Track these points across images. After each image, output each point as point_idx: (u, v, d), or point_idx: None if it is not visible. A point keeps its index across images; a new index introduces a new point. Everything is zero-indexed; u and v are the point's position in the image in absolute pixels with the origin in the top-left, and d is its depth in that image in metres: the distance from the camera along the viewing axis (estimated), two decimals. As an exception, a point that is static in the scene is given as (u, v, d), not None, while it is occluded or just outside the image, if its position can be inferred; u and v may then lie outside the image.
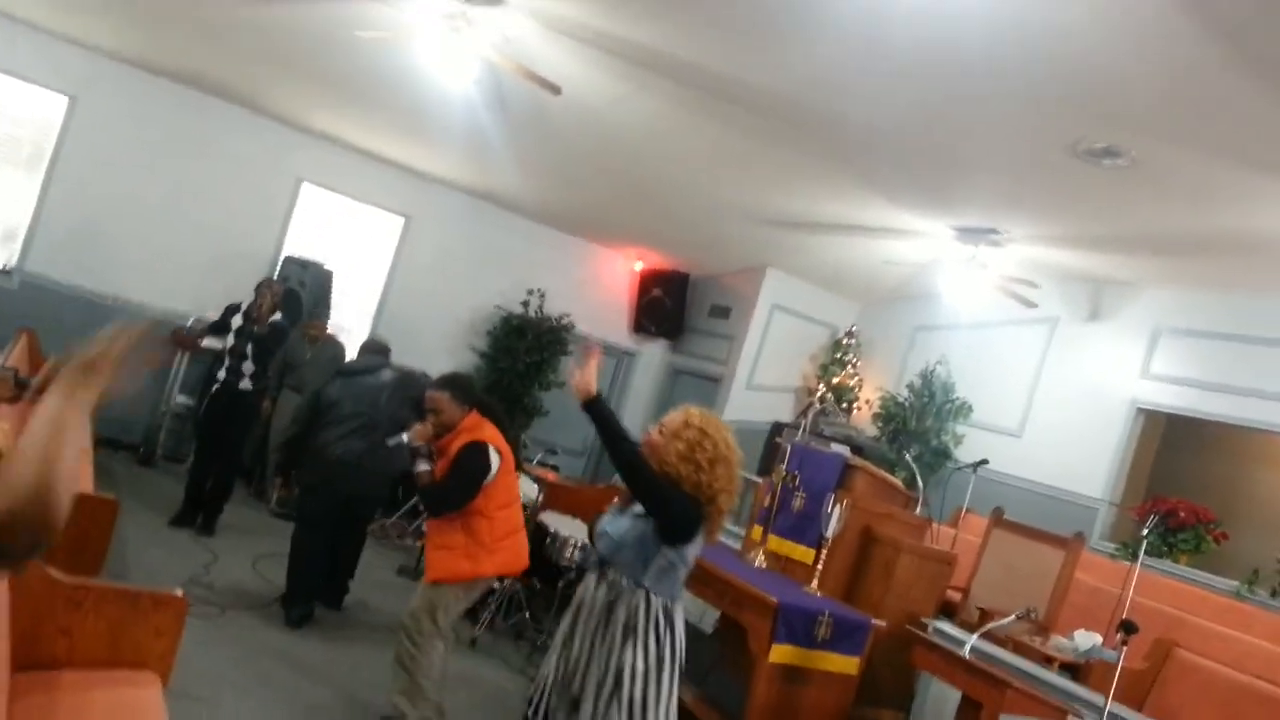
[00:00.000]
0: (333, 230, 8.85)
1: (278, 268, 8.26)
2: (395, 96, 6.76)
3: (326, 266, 8.12)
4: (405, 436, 3.97)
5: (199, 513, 6.24)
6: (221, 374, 6.26)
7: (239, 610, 4.98)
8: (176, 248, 8.04)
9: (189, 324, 7.89)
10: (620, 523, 2.88)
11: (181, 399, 7.90)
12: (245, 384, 6.27)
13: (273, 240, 8.48)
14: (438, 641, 3.92)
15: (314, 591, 5.21)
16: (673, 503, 2.79)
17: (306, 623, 5.05)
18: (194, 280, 8.09)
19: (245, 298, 6.53)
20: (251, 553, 6.05)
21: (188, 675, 3.92)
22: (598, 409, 2.84)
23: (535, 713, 2.87)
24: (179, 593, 2.89)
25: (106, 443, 7.48)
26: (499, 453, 3.98)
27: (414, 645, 3.90)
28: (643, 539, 2.79)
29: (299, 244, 8.54)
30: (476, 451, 3.91)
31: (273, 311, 6.43)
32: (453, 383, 4.11)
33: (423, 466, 3.93)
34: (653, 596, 2.77)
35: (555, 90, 5.17)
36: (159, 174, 7.88)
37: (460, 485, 3.90)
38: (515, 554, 4.13)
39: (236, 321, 6.36)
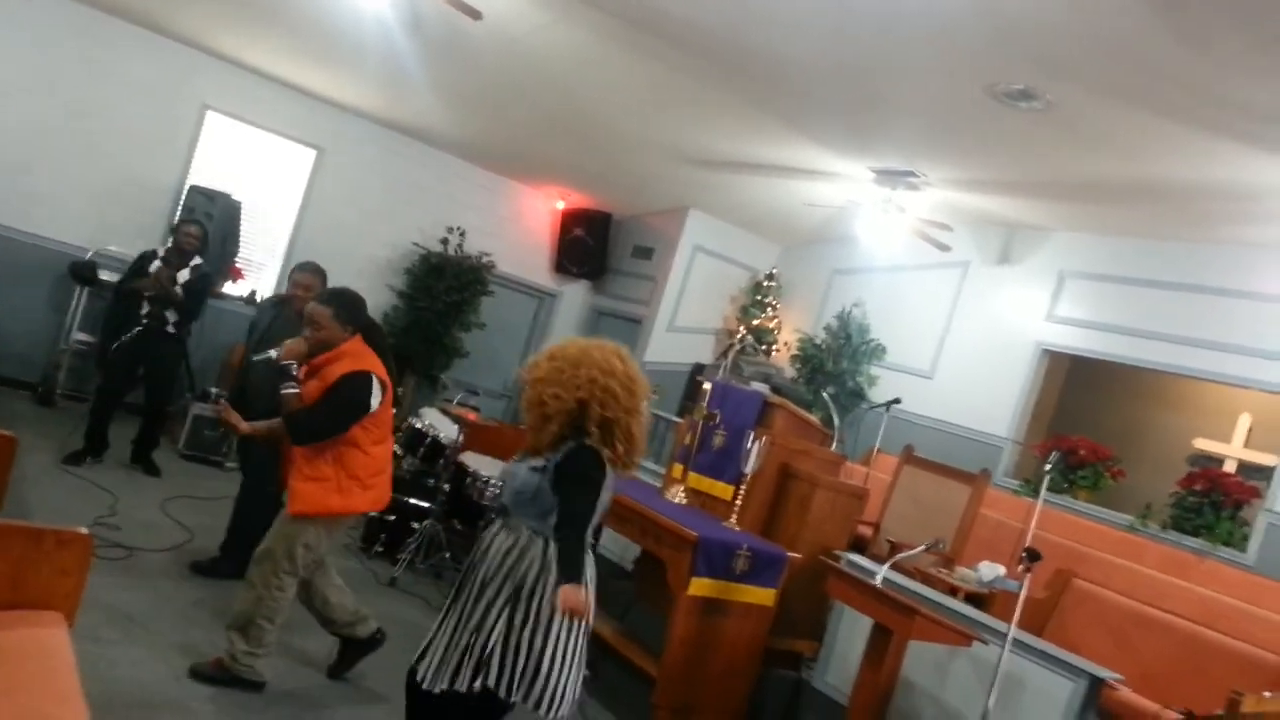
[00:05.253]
0: (241, 161, 8.49)
1: (182, 198, 7.91)
2: (306, 16, 6.48)
3: (235, 198, 7.81)
4: (274, 353, 3.65)
5: (96, 451, 6.12)
6: (145, 311, 6.11)
7: (148, 552, 4.84)
8: (73, 177, 7.62)
9: (88, 256, 7.54)
10: (519, 472, 2.77)
11: (81, 336, 7.57)
12: (170, 328, 6.24)
13: (176, 170, 8.10)
14: (291, 582, 3.70)
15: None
16: (591, 502, 2.69)
17: None
18: (93, 212, 7.70)
19: (146, 228, 6.25)
20: (159, 494, 5.89)
21: (95, 617, 3.82)
22: (576, 572, 2.62)
23: (425, 659, 2.76)
24: (84, 530, 2.79)
25: (4, 381, 7.16)
26: (382, 386, 3.72)
27: (263, 585, 3.64)
28: (539, 492, 2.71)
29: (205, 175, 8.17)
30: (359, 382, 3.61)
31: (194, 255, 6.28)
32: (339, 298, 3.74)
33: (290, 389, 3.62)
34: (553, 544, 2.70)
35: (475, 15, 5.01)
36: (53, 99, 7.43)
37: (333, 415, 3.61)
38: (385, 491, 3.93)
39: (155, 266, 6.17)
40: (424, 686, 2.70)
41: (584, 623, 2.74)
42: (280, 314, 5.11)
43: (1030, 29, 4.39)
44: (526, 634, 2.65)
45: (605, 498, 2.77)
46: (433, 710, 2.74)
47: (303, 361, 3.71)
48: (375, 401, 3.68)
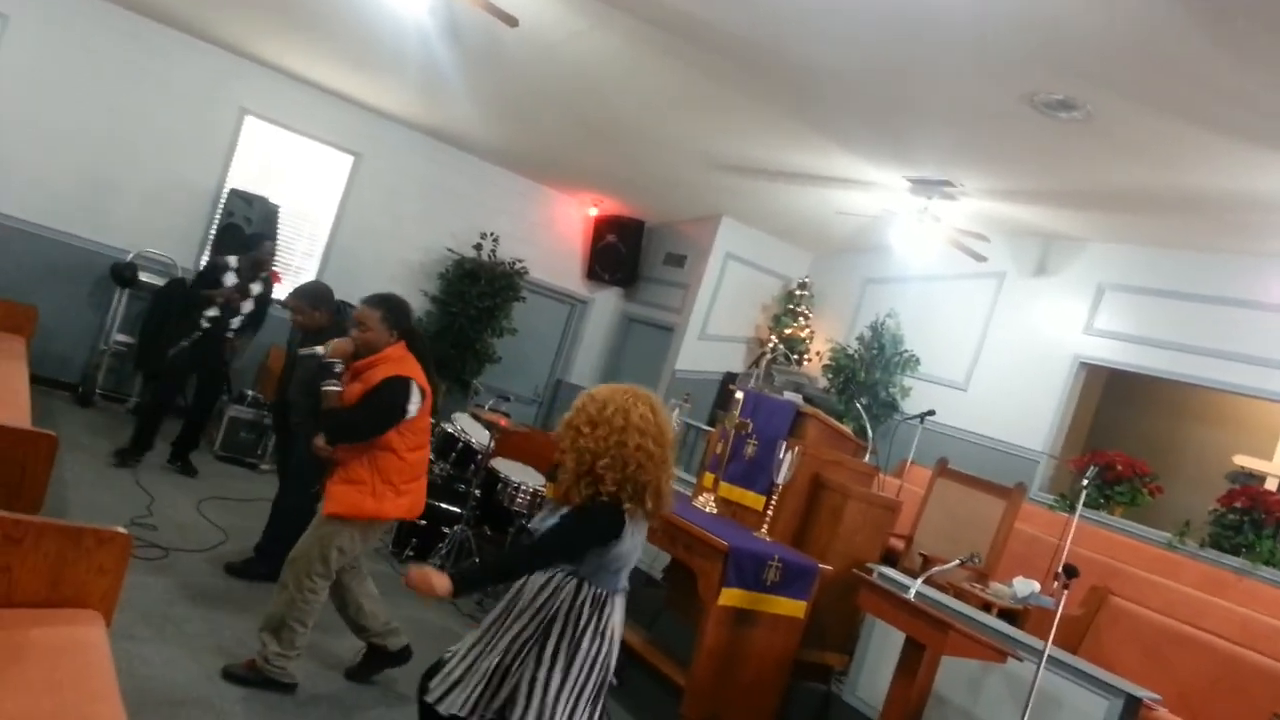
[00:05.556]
0: (279, 166, 8.59)
1: (221, 201, 8.02)
2: (345, 23, 6.54)
3: (272, 201, 7.90)
4: (321, 349, 3.71)
5: (140, 452, 6.19)
6: (214, 313, 6.27)
7: (183, 553, 4.90)
8: (113, 179, 7.74)
9: (129, 258, 7.65)
10: (552, 522, 2.77)
11: (120, 337, 7.69)
12: (230, 332, 6.42)
13: (216, 174, 8.20)
14: (324, 585, 3.73)
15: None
16: (574, 542, 2.69)
17: None
18: (133, 214, 7.81)
19: (186, 232, 6.28)
20: (195, 495, 5.96)
21: (131, 616, 3.87)
22: (467, 583, 2.72)
23: (437, 678, 2.75)
24: (123, 530, 2.82)
25: (44, 381, 7.28)
26: (422, 393, 3.75)
27: (296, 587, 3.67)
28: None
29: (244, 179, 8.27)
30: (399, 387, 3.66)
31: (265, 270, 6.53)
32: (387, 303, 3.81)
33: (332, 386, 3.67)
34: (585, 586, 2.70)
35: (512, 22, 5.04)
36: (95, 103, 7.56)
37: (372, 418, 3.66)
38: (419, 499, 3.95)
39: (230, 279, 6.32)
40: (428, 700, 2.71)
41: (606, 667, 2.75)
42: None
43: (1070, 38, 4.34)
44: (552, 671, 2.66)
45: (627, 546, 2.72)
46: None
47: (347, 361, 3.76)
48: (414, 408, 3.72)
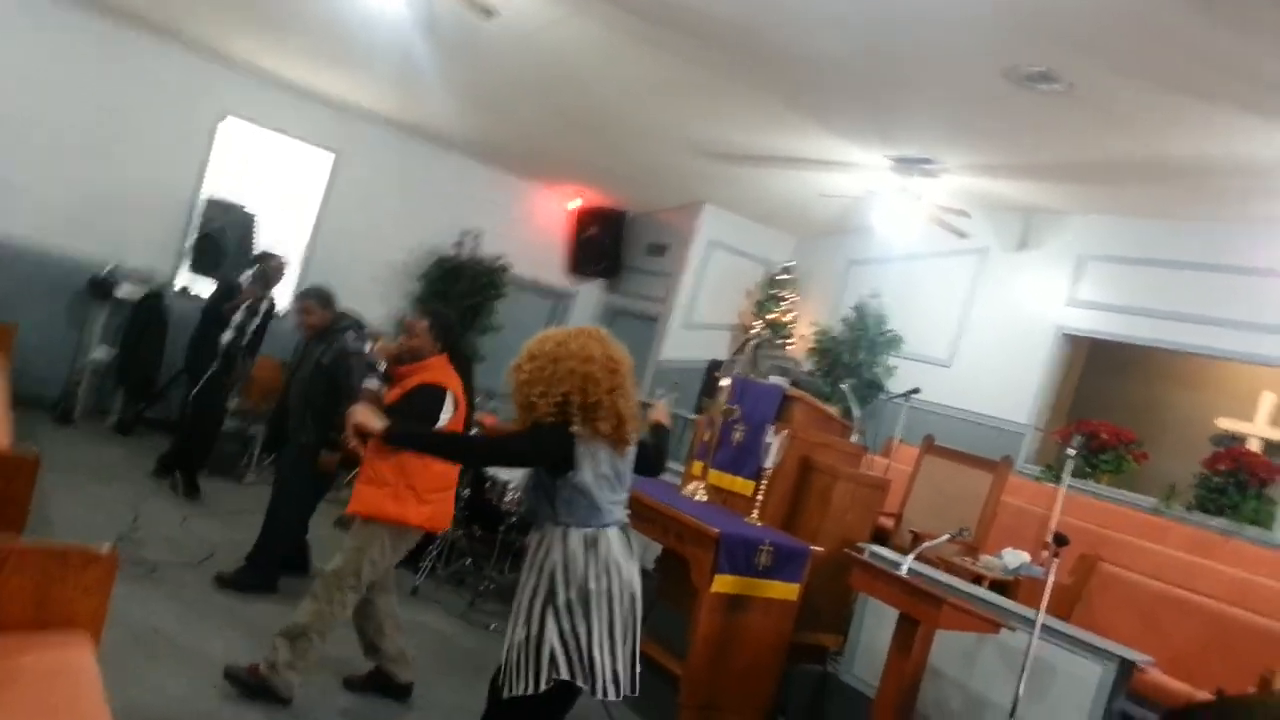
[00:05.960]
0: (257, 169, 8.48)
1: (197, 211, 7.93)
2: (320, 20, 6.48)
3: (248, 210, 7.83)
4: (369, 346, 3.91)
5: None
6: (230, 336, 6.29)
7: (171, 568, 4.86)
8: (88, 189, 7.63)
9: (106, 270, 7.56)
10: (518, 475, 2.93)
11: (100, 353, 7.60)
12: (242, 350, 6.47)
13: (191, 182, 8.09)
14: (353, 599, 3.77)
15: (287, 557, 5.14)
16: (509, 449, 2.90)
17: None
18: (107, 225, 7.70)
19: (162, 242, 6.41)
20: (179, 509, 5.92)
21: (120, 633, 3.83)
22: (400, 436, 2.99)
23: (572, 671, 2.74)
24: (107, 549, 2.80)
25: (22, 399, 7.20)
26: (455, 404, 3.84)
27: (326, 599, 3.71)
28: (537, 482, 2.79)
29: (220, 183, 8.17)
30: (433, 394, 3.76)
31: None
32: (437, 315, 4.00)
33: (373, 383, 3.83)
34: (571, 530, 2.73)
35: (488, 12, 5.02)
36: (68, 110, 7.43)
37: (400, 418, 3.71)
38: (444, 511, 3.99)
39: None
40: (503, 696, 2.73)
41: (630, 598, 2.78)
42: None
43: (1055, 10, 4.33)
44: (574, 621, 2.69)
45: (589, 476, 2.73)
46: (509, 708, 2.76)
47: (391, 364, 3.89)
48: (445, 417, 3.81)
